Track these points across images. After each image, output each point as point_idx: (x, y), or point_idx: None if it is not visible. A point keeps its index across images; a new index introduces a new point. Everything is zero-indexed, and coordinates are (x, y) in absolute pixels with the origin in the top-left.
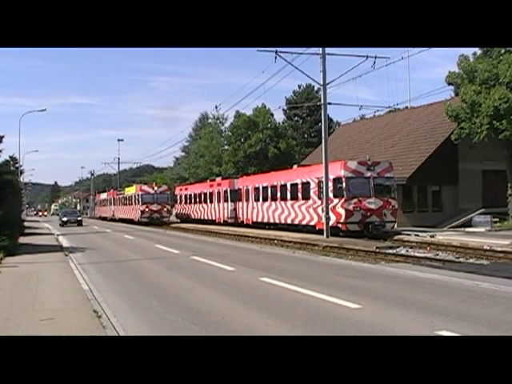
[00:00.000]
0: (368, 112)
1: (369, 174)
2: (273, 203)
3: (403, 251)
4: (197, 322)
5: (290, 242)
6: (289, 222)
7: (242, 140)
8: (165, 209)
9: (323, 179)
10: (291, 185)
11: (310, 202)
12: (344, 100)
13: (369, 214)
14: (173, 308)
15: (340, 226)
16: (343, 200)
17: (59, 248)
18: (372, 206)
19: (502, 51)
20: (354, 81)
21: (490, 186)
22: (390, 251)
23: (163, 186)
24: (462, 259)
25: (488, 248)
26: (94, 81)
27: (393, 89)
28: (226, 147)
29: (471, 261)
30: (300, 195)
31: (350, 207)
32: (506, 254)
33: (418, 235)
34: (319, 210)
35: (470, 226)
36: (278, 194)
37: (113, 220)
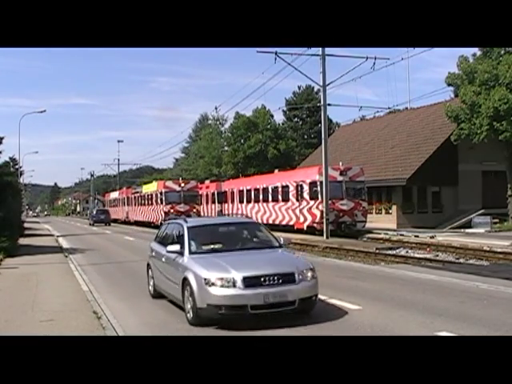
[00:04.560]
0: (368, 113)
1: (341, 178)
2: (256, 205)
3: (403, 252)
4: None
5: (289, 242)
6: (270, 222)
7: (242, 141)
8: (194, 210)
9: (300, 183)
10: (272, 188)
11: (289, 203)
12: (344, 100)
13: (341, 214)
14: (173, 309)
15: (315, 225)
16: (318, 202)
17: (59, 249)
18: (344, 208)
19: (502, 52)
20: (353, 82)
21: (490, 186)
22: (390, 252)
23: (191, 181)
24: (461, 260)
25: (488, 249)
26: (93, 81)
27: (393, 89)
28: (226, 148)
29: (471, 262)
30: (280, 197)
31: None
32: (505, 255)
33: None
34: (297, 211)
35: (470, 227)
36: (261, 197)
37: (126, 223)
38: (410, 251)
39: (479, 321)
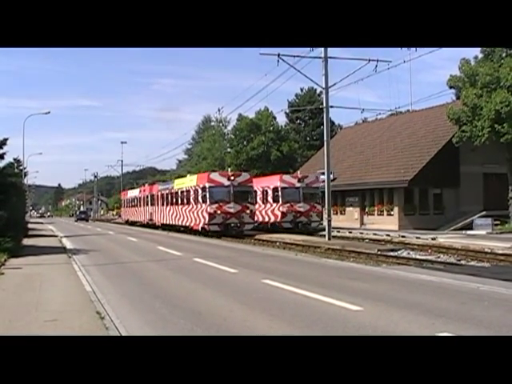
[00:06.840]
0: (370, 115)
1: (299, 185)
2: None
3: (404, 254)
4: (199, 324)
5: (291, 244)
6: None
7: (245, 143)
8: (247, 210)
9: (266, 188)
10: None
11: (257, 206)
12: (346, 102)
13: (299, 215)
14: (175, 310)
15: (277, 224)
16: (279, 204)
17: (63, 250)
18: (301, 209)
19: (503, 55)
20: (356, 84)
21: (491, 188)
22: (392, 254)
23: (242, 173)
24: (463, 262)
25: (489, 251)
26: (97, 83)
27: (395, 91)
28: (229, 150)
29: (472, 263)
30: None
31: (285, 210)
32: (506, 257)
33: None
34: (263, 212)
35: (471, 229)
36: None
37: (148, 226)
38: (411, 253)
39: (480, 322)
